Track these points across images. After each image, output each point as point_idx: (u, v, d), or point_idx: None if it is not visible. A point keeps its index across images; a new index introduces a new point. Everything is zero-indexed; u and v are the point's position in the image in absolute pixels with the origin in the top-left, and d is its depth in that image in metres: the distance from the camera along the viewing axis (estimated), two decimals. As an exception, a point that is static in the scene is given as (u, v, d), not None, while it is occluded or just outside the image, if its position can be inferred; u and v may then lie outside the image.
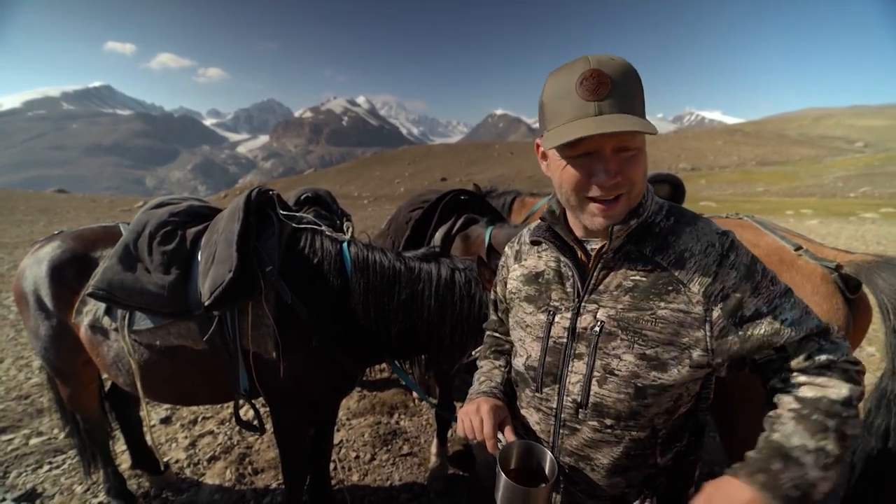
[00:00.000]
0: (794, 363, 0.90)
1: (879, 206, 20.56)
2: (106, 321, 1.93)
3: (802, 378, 0.89)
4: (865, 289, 1.58)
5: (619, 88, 0.84)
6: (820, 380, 0.87)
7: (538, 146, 0.98)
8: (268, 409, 2.12)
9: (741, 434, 1.79)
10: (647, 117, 0.87)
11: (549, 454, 1.00)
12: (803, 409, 0.85)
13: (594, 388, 0.98)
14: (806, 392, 0.87)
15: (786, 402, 0.89)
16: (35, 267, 2.07)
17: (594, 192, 0.89)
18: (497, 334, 1.34)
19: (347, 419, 3.48)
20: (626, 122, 0.82)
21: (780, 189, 35.99)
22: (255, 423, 2.11)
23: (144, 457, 2.71)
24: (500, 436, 1.03)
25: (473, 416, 1.04)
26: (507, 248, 1.26)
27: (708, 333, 0.90)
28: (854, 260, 1.61)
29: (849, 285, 1.57)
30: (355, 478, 2.84)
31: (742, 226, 1.96)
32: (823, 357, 0.88)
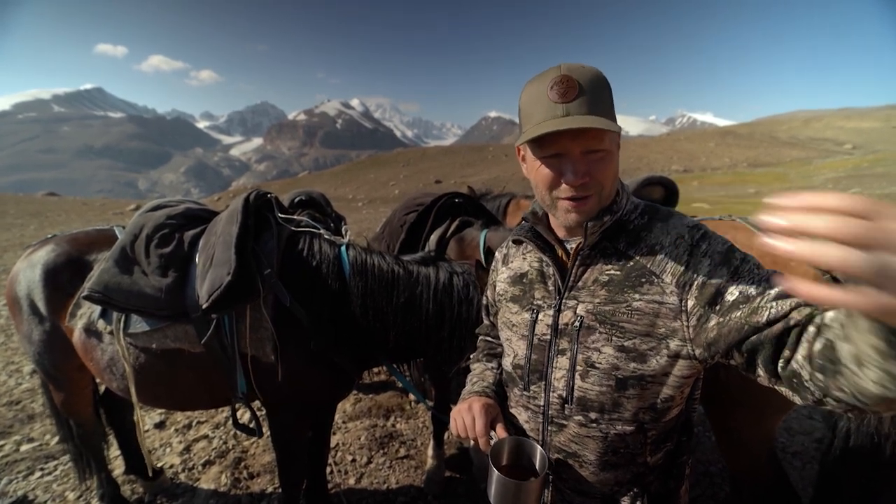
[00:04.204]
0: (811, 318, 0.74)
1: (869, 208, 20.78)
2: (101, 324, 1.91)
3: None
4: None
5: (587, 92, 0.88)
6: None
7: (518, 149, 1.03)
8: (264, 412, 2.12)
9: (737, 436, 1.81)
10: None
11: (539, 448, 1.01)
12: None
13: (577, 381, 1.00)
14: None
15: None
16: (29, 271, 2.05)
17: (565, 191, 0.94)
18: (489, 338, 1.36)
19: (343, 422, 3.48)
20: (590, 121, 0.86)
21: (771, 190, 36.21)
22: (252, 426, 2.10)
23: (138, 462, 2.68)
24: (492, 433, 1.04)
25: (465, 415, 1.06)
26: (496, 253, 1.29)
27: (685, 323, 0.90)
28: None
29: None
30: (352, 481, 2.83)
31: (735, 227, 1.99)
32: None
